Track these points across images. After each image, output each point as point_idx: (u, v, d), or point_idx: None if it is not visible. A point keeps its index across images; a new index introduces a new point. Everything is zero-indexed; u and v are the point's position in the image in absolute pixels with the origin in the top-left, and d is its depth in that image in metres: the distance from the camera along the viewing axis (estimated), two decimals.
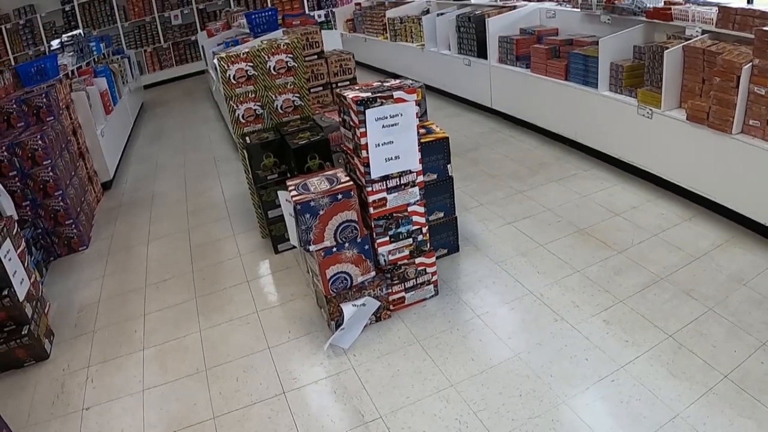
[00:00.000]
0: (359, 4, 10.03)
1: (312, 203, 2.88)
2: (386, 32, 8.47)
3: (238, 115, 4.00)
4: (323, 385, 2.96)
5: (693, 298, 3.23)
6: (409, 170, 3.09)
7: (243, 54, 3.87)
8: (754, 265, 3.45)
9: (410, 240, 3.25)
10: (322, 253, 3.00)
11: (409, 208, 3.18)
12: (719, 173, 3.83)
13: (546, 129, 5.51)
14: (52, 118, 5.23)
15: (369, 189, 3.02)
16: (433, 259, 3.36)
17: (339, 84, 4.84)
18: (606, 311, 3.21)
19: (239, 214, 5.03)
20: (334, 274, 3.06)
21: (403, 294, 3.34)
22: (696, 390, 2.64)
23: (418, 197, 3.17)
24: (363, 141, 2.91)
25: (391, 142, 2.96)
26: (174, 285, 4.12)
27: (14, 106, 5.15)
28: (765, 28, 3.48)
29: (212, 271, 4.21)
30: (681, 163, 4.10)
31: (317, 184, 3.02)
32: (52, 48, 7.42)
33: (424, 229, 3.27)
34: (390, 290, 3.28)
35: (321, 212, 2.91)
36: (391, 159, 2.99)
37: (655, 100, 4.23)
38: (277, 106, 4.08)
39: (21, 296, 3.53)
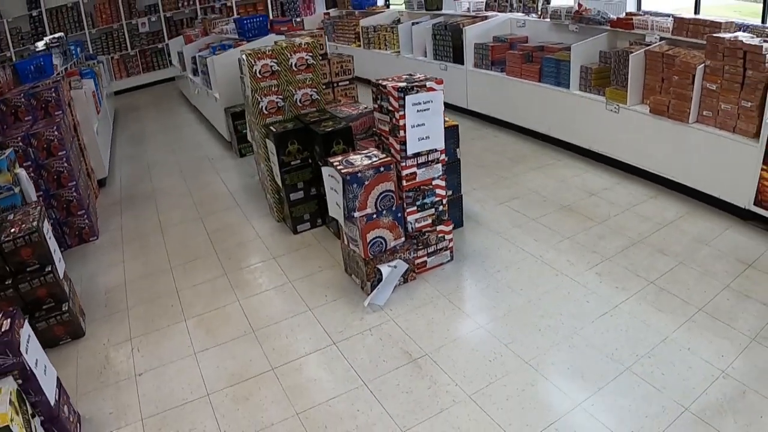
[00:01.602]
0: (328, 13, 10.54)
1: (359, 174, 3.36)
2: (359, 40, 9.00)
3: (262, 106, 4.42)
4: (368, 335, 3.40)
5: (666, 255, 3.89)
6: (436, 149, 3.61)
7: (268, 51, 4.30)
8: (712, 230, 4.15)
9: (433, 210, 3.77)
10: (365, 219, 3.47)
11: (434, 182, 3.70)
12: (678, 157, 4.53)
13: (520, 126, 6.17)
14: (60, 112, 5.40)
15: (403, 164, 3.52)
16: (451, 227, 3.89)
17: (339, 83, 5.31)
18: (597, 266, 3.83)
19: (248, 203, 5.38)
20: (373, 239, 3.53)
21: (425, 258, 3.84)
22: (678, 320, 3.27)
23: (441, 172, 3.70)
24: (401, 122, 3.41)
25: (423, 124, 3.48)
26: (200, 265, 4.42)
27: (23, 99, 5.28)
28: (715, 35, 4.21)
29: (236, 251, 4.55)
30: (645, 150, 4.80)
31: (359, 160, 3.50)
32: (37, 49, 7.53)
33: (444, 201, 3.80)
34: (415, 254, 3.77)
35: (366, 182, 3.39)
36: (423, 139, 3.51)
37: (621, 97, 4.93)
38: (296, 99, 4.53)
39: (60, 273, 3.72)
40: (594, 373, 2.95)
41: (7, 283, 3.45)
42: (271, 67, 4.32)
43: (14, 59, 9.33)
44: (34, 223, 3.53)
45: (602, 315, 3.37)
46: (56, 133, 4.90)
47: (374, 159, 3.49)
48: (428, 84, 3.44)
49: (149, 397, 3.10)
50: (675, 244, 4.01)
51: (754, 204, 4.03)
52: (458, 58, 6.79)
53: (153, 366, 3.34)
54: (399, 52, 8.02)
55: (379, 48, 8.61)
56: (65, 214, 5.05)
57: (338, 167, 3.43)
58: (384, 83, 3.48)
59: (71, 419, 2.86)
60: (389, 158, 3.49)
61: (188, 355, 3.41)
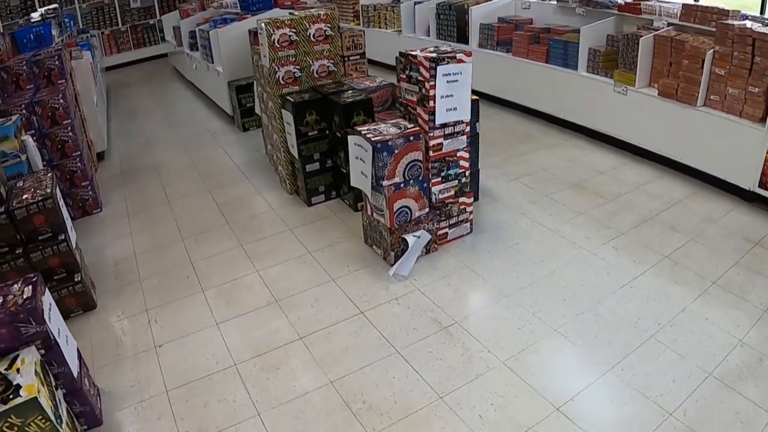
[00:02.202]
0: None
1: (390, 143, 3.38)
2: (358, 19, 8.95)
3: (279, 76, 4.39)
4: (395, 304, 3.43)
5: (677, 232, 3.99)
6: (462, 121, 3.64)
7: (287, 21, 4.27)
8: (718, 210, 4.27)
9: (456, 182, 3.81)
10: (392, 188, 3.49)
11: (458, 153, 3.74)
12: (685, 139, 4.64)
13: (526, 106, 6.23)
14: (63, 81, 5.30)
15: (431, 134, 3.55)
16: (472, 199, 3.94)
17: (350, 57, 5.30)
18: (613, 241, 3.91)
19: (257, 176, 5.35)
20: (399, 208, 3.56)
21: (446, 230, 3.89)
22: (694, 292, 3.37)
23: (465, 144, 3.74)
24: (432, 93, 3.44)
25: (451, 95, 3.51)
26: (213, 236, 4.39)
27: (24, 67, 5.16)
28: (725, 22, 4.30)
29: (250, 223, 4.53)
30: (652, 131, 4.90)
31: (387, 129, 3.51)
32: (32, 20, 7.34)
33: (467, 173, 3.84)
34: (438, 226, 3.81)
35: (396, 151, 3.41)
36: (451, 110, 3.54)
37: (630, 80, 5.02)
38: (313, 70, 4.51)
39: (73, 243, 3.63)
40: (620, 341, 3.04)
41: (17, 252, 3.35)
42: (290, 36, 4.30)
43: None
44: (48, 190, 3.43)
45: (623, 286, 3.46)
46: (61, 100, 4.78)
47: (403, 128, 3.50)
48: (458, 56, 3.45)
49: (172, 368, 3.06)
50: (685, 221, 4.11)
51: (759, 186, 4.14)
52: (462, 38, 6.82)
53: (173, 337, 3.30)
54: (400, 31, 8.01)
55: (379, 27, 8.58)
56: (69, 186, 4.95)
57: (367, 135, 3.44)
58: (414, 53, 3.49)
59: (92, 392, 2.81)
60: (418, 128, 3.51)
61: (210, 325, 3.39)
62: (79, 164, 4.96)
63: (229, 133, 6.66)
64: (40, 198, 3.36)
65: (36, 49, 6.03)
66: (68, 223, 3.66)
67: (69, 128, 4.84)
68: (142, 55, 10.99)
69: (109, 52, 10.80)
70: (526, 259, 3.76)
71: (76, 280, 3.55)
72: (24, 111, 4.58)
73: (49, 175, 3.68)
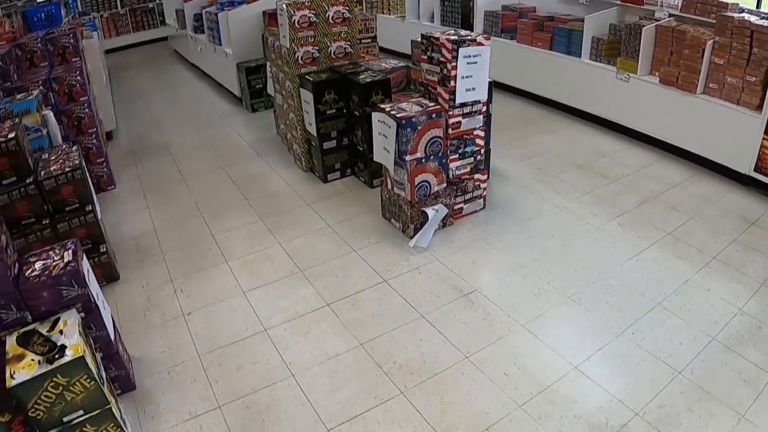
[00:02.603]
0: None
1: (413, 119, 3.54)
2: (361, 4, 9.06)
3: (298, 56, 4.53)
4: (417, 274, 3.61)
5: (678, 211, 4.21)
6: (479, 101, 3.82)
7: (307, 2, 4.40)
8: (717, 192, 4.50)
9: (472, 159, 3.99)
10: (414, 163, 3.66)
11: (475, 132, 3.91)
12: (684, 124, 4.86)
13: (530, 92, 6.42)
14: (78, 58, 5.37)
15: (450, 113, 3.72)
16: (486, 176, 4.12)
17: (362, 40, 5.44)
18: (618, 218, 4.13)
19: (270, 154, 5.48)
20: (420, 182, 3.74)
21: (462, 205, 4.07)
22: (696, 266, 3.60)
23: (481, 123, 3.92)
24: (453, 73, 3.60)
25: (471, 76, 3.69)
26: (232, 211, 4.52)
27: (39, 45, 5.21)
28: (724, 14, 4.51)
29: (267, 199, 4.66)
30: (653, 117, 5.11)
31: (410, 107, 3.68)
32: (38, 1, 7.36)
33: (482, 151, 4.02)
34: (454, 200, 3.99)
35: (419, 127, 3.58)
36: (470, 90, 3.72)
37: (632, 67, 5.22)
38: (330, 51, 4.65)
39: (99, 214, 3.71)
40: (630, 307, 3.25)
41: (44, 222, 3.39)
42: (309, 18, 4.43)
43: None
44: (76, 161, 3.51)
45: (629, 259, 3.67)
46: (78, 77, 4.86)
47: (425, 106, 3.67)
48: (478, 39, 3.62)
49: (202, 335, 3.18)
50: (684, 202, 4.34)
51: (755, 170, 4.37)
52: (466, 25, 6.98)
53: (200, 306, 3.41)
54: (404, 16, 8.14)
55: (382, 12, 8.70)
56: (84, 162, 5.01)
57: (391, 112, 3.60)
58: (436, 35, 3.66)
59: (125, 357, 2.91)
60: (439, 106, 3.68)
61: (236, 294, 3.52)
62: (94, 141, 5.02)
63: (238, 114, 6.76)
64: (68, 169, 3.43)
65: (47, 29, 6.07)
66: (94, 195, 3.74)
67: (85, 105, 4.90)
68: (141, 39, 10.97)
69: (108, 36, 10.78)
70: (538, 233, 3.95)
71: (101, 251, 3.64)
72: (41, 87, 4.63)
73: (75, 147, 3.77)
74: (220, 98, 7.41)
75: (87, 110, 4.93)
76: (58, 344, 2.28)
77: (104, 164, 5.13)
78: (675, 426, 2.53)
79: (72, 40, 5.33)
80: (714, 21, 4.58)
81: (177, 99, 7.59)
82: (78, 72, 4.88)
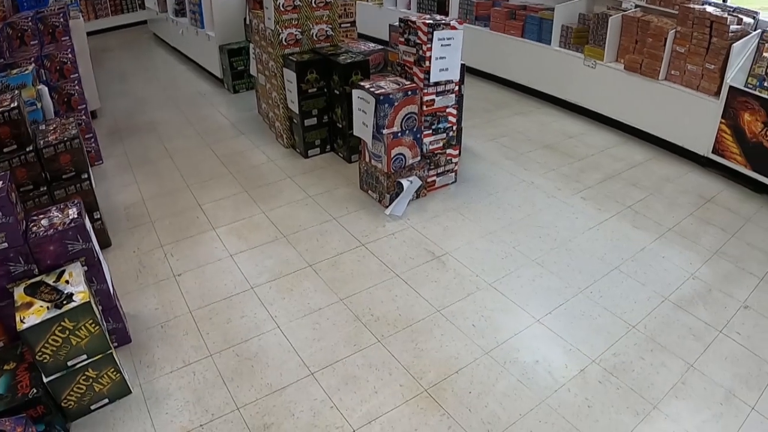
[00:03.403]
0: None
1: (391, 96, 3.79)
2: None
3: (282, 38, 4.74)
4: (392, 239, 3.87)
5: (638, 188, 4.53)
6: (452, 80, 4.08)
7: None
8: (676, 171, 4.82)
9: (444, 135, 4.25)
10: (391, 136, 3.92)
11: (447, 110, 4.18)
12: (647, 109, 5.18)
13: (501, 77, 6.70)
14: (67, 37, 5.49)
15: (425, 91, 3.98)
16: (457, 152, 4.39)
17: (342, 25, 5.66)
18: (581, 192, 4.43)
19: (252, 132, 5.67)
20: (396, 155, 3.99)
21: (435, 178, 4.33)
22: (653, 236, 3.91)
23: (454, 102, 4.18)
24: (428, 54, 3.86)
25: (444, 57, 3.94)
26: (218, 183, 4.71)
27: (30, 23, 5.33)
28: (686, 5, 4.83)
29: (251, 172, 4.86)
30: (617, 101, 5.43)
31: (388, 85, 3.93)
32: None
33: (454, 128, 4.28)
34: (427, 173, 4.25)
35: (396, 103, 3.83)
36: (443, 70, 3.97)
37: (599, 55, 5.53)
38: (313, 33, 4.87)
39: (94, 182, 3.87)
40: (589, 270, 3.54)
41: (42, 189, 3.55)
42: (294, 1, 4.63)
43: None
44: (74, 131, 3.69)
45: (590, 228, 3.97)
46: (70, 55, 5.00)
47: (402, 84, 3.92)
48: (452, 23, 3.89)
49: (193, 293, 3.38)
50: (645, 180, 4.65)
51: (713, 152, 4.70)
52: (442, 12, 7.23)
53: (190, 267, 3.60)
54: (382, 3, 8.36)
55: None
56: None
57: (370, 89, 3.85)
58: (413, 19, 3.91)
59: (121, 312, 3.09)
60: (414, 84, 3.94)
61: (224, 257, 3.73)
62: (84, 117, 5.15)
63: (219, 94, 6.91)
64: (67, 138, 3.62)
65: (35, 8, 6.16)
66: (88, 164, 3.89)
67: (76, 82, 5.06)
68: (120, 22, 10.97)
69: (86, 18, 10.77)
70: (506, 205, 4.24)
71: (95, 217, 3.80)
72: (33, 64, 4.76)
73: (71, 119, 3.94)
74: (202, 80, 7.54)
75: (77, 87, 5.09)
76: (65, 292, 2.47)
77: (92, 140, 5.25)
78: (628, 372, 2.82)
79: (62, 20, 5.43)
80: (677, 12, 4.89)
81: (159, 80, 7.71)
82: (69, 50, 5.02)
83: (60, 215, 2.75)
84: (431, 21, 3.86)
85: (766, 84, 4.18)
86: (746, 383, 2.76)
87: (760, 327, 3.11)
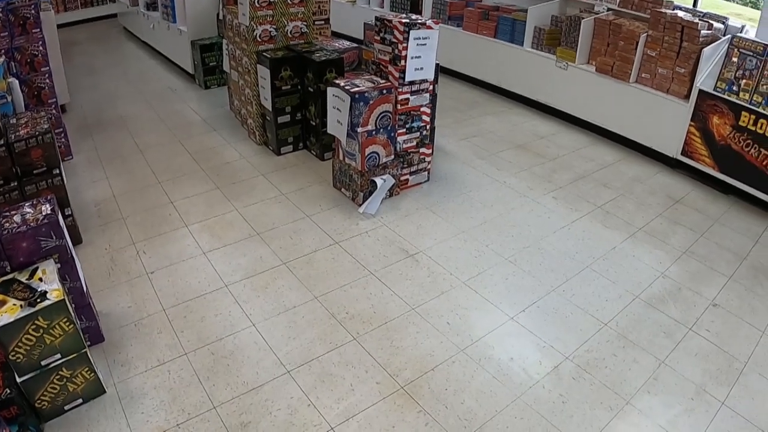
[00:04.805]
0: None
1: (366, 94, 3.80)
2: None
3: (256, 34, 4.71)
4: (366, 237, 3.88)
5: (609, 188, 4.62)
6: (427, 80, 4.11)
7: None
8: (645, 173, 4.94)
9: (418, 133, 4.28)
10: (366, 135, 3.93)
11: (422, 109, 4.20)
12: (618, 111, 5.28)
13: (473, 77, 6.77)
14: (38, 30, 5.36)
15: (400, 90, 4.00)
16: (431, 151, 4.42)
17: (316, 22, 5.64)
18: (553, 192, 4.50)
19: (224, 129, 5.61)
20: (369, 153, 4.00)
21: (408, 176, 4.36)
22: (623, 235, 4.00)
23: (428, 101, 4.21)
24: (404, 53, 3.88)
25: (419, 57, 3.96)
26: (189, 180, 4.64)
27: (0, 14, 5.19)
28: (658, 10, 4.94)
29: (223, 169, 4.81)
30: (588, 103, 5.53)
31: (363, 83, 3.94)
32: None
33: (428, 127, 4.31)
34: (400, 172, 4.28)
35: (371, 102, 3.84)
36: (418, 69, 4.00)
37: (570, 56, 5.62)
38: (287, 30, 4.85)
39: (65, 178, 3.77)
40: (561, 269, 3.61)
41: (12, 184, 3.45)
42: None
43: None
44: (45, 126, 3.60)
45: (562, 227, 4.04)
46: (41, 48, 4.88)
47: (377, 83, 3.93)
48: (428, 22, 3.91)
49: (166, 291, 3.33)
50: (615, 180, 4.75)
51: (682, 154, 4.82)
52: (415, 11, 7.26)
53: (163, 265, 3.55)
54: (355, 2, 8.35)
55: None
56: None
57: (345, 87, 3.85)
58: (390, 18, 3.92)
59: (95, 311, 3.03)
60: (389, 83, 3.95)
61: (198, 254, 3.69)
62: (54, 111, 5.02)
63: (190, 90, 6.82)
64: (38, 132, 3.52)
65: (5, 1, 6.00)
66: (60, 159, 3.79)
67: (47, 75, 4.93)
68: (89, 15, 10.73)
69: (56, 10, 10.52)
70: (478, 204, 4.28)
71: (66, 213, 3.71)
72: (3, 56, 4.64)
73: (42, 113, 3.86)
74: (173, 75, 7.43)
75: (48, 80, 4.96)
76: (39, 290, 2.42)
77: (63, 134, 5.13)
78: (601, 368, 2.89)
79: (33, 11, 5.29)
80: (649, 16, 4.99)
81: (129, 75, 7.57)
82: (40, 43, 4.91)
83: (32, 211, 2.69)
84: (407, 20, 3.88)
85: (734, 88, 4.31)
86: (716, 379, 2.84)
87: (728, 324, 3.21)
